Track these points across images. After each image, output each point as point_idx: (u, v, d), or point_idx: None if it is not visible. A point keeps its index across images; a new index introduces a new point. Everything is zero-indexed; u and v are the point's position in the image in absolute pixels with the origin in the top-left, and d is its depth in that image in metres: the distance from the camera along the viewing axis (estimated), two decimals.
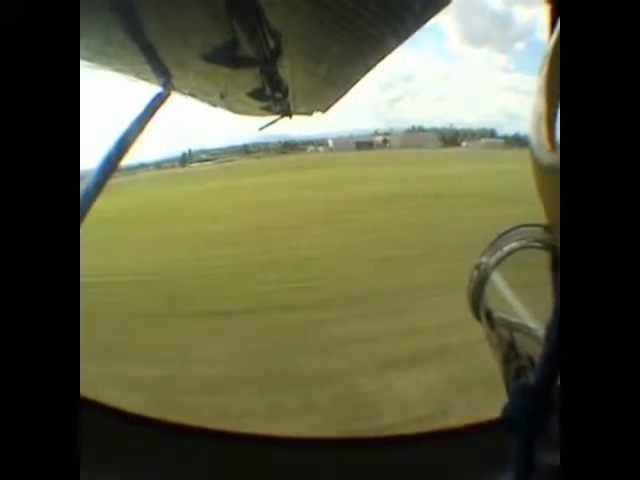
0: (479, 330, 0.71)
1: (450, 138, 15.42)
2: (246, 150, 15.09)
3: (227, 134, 13.81)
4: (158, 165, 13.94)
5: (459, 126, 15.78)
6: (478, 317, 0.72)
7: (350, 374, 3.80)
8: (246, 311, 5.04)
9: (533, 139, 0.43)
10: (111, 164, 1.65)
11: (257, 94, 2.59)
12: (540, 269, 0.62)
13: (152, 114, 1.85)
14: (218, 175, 13.36)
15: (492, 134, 15.12)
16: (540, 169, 0.42)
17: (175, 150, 14.25)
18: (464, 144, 15.40)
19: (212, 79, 2.41)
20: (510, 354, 0.59)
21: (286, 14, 1.83)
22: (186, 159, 14.44)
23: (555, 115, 0.39)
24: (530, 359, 0.54)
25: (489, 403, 0.61)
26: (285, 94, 2.69)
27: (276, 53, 2.03)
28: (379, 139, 15.48)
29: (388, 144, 15.35)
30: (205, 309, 5.19)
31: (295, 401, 3.45)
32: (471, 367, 3.20)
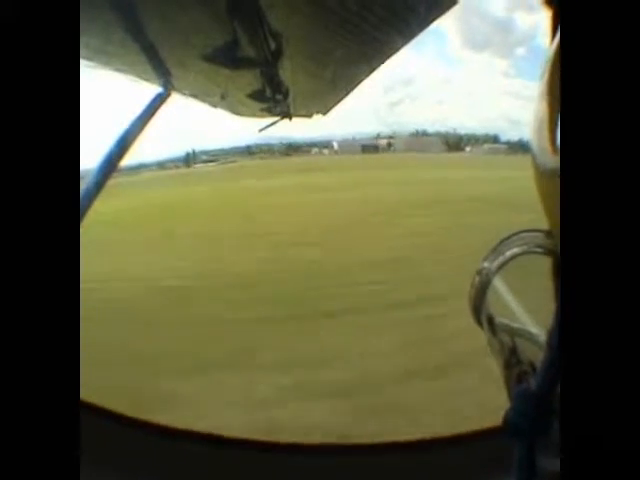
0: None
1: (454, 143, 15.52)
2: (249, 151, 15.11)
3: (227, 135, 13.85)
4: (161, 165, 13.96)
5: (459, 130, 15.88)
6: (480, 322, 0.72)
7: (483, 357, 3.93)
8: (365, 310, 5.17)
9: (535, 144, 0.43)
10: (111, 164, 1.65)
11: (257, 95, 2.58)
12: (541, 275, 0.61)
13: (152, 114, 1.85)
14: (233, 176, 13.42)
15: (495, 140, 15.22)
16: (542, 174, 0.42)
17: (175, 150, 14.26)
18: (468, 149, 15.50)
19: (213, 80, 2.41)
20: (512, 359, 0.60)
21: (287, 15, 1.83)
22: (190, 160, 14.44)
23: (557, 120, 0.39)
24: (532, 364, 0.55)
25: None
26: (285, 96, 2.69)
27: (277, 54, 2.03)
28: (384, 142, 15.55)
29: (392, 147, 15.43)
30: (327, 309, 5.26)
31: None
32: None
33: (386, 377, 3.91)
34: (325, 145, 15.47)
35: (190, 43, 1.91)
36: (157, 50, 1.86)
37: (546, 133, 0.40)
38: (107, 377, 3.34)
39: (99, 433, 0.89)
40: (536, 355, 0.52)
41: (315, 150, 15.45)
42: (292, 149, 15.25)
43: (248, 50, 1.91)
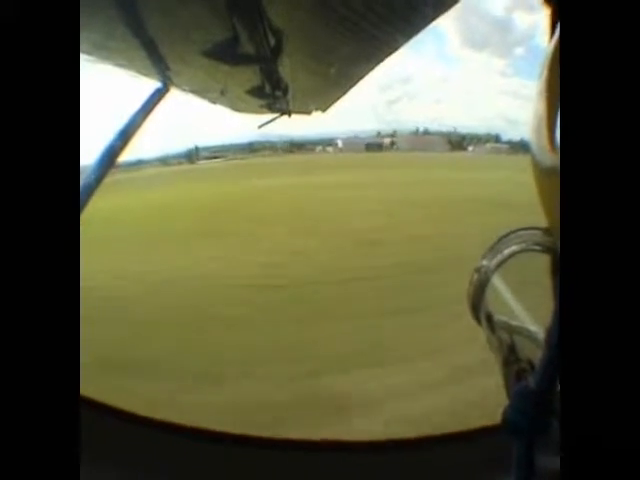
0: None
1: (457, 142, 15.51)
2: (251, 148, 14.96)
3: (229, 132, 13.72)
4: (164, 162, 13.80)
5: (455, 129, 15.86)
6: (478, 320, 0.72)
7: None
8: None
9: (534, 142, 0.43)
10: (110, 159, 1.65)
11: (256, 92, 2.58)
12: (540, 272, 0.61)
13: (151, 110, 1.85)
14: (242, 173, 13.09)
15: (497, 139, 15.24)
16: (541, 172, 0.42)
17: (176, 147, 14.12)
18: (470, 148, 15.48)
19: (212, 76, 2.40)
20: (510, 357, 0.60)
21: (287, 12, 1.83)
22: (192, 156, 14.29)
23: (555, 118, 0.39)
24: (530, 362, 0.55)
25: None
26: (285, 92, 2.68)
27: (277, 51, 2.03)
28: (387, 141, 15.50)
29: (395, 146, 15.38)
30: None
31: None
32: None
33: None
34: (329, 143, 15.36)
35: (190, 39, 1.90)
36: (157, 45, 1.85)
37: (545, 131, 0.40)
38: None
39: (99, 429, 0.89)
40: (535, 353, 0.52)
41: (319, 148, 15.33)
42: (295, 147, 15.11)
43: (248, 46, 1.90)
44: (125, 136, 1.72)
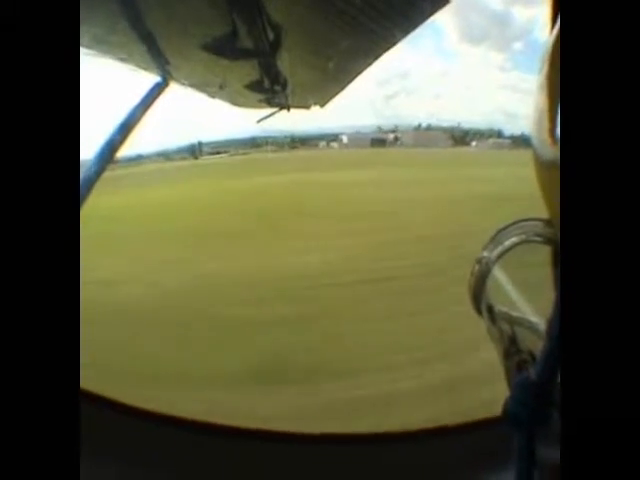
0: None
1: (460, 137, 15.44)
2: (253, 144, 14.76)
3: (226, 127, 13.57)
4: (167, 157, 13.62)
5: (459, 124, 15.80)
6: (479, 311, 0.72)
7: None
8: None
9: (534, 135, 0.43)
10: (109, 153, 1.65)
11: (255, 86, 2.58)
12: (541, 263, 0.62)
13: (151, 104, 1.85)
14: (254, 169, 12.81)
15: (499, 134, 15.20)
16: (541, 165, 0.42)
17: (177, 141, 13.95)
18: (473, 144, 15.42)
19: (211, 70, 2.40)
20: (511, 348, 0.59)
21: (286, 6, 1.83)
22: (196, 151, 14.10)
23: (556, 111, 0.39)
24: (531, 353, 0.54)
25: None
26: (284, 87, 2.68)
27: (275, 46, 2.03)
28: (391, 136, 15.39)
29: (399, 142, 15.29)
30: None
31: None
32: None
33: None
34: (333, 138, 15.19)
35: (189, 33, 1.90)
36: (156, 39, 1.85)
37: (546, 124, 0.40)
38: None
39: (99, 422, 0.88)
40: (536, 344, 0.52)
41: (322, 144, 15.16)
42: (298, 142, 14.91)
43: (247, 41, 1.91)
44: (125, 130, 1.73)
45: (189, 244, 7.26)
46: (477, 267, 0.73)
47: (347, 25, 1.95)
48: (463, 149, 15.24)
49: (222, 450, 1.01)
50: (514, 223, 0.71)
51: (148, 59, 2.00)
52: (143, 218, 8.77)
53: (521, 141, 13.13)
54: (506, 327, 0.64)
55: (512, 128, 14.89)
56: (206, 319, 4.74)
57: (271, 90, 2.67)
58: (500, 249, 0.71)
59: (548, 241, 0.64)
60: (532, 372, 0.49)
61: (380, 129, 15.60)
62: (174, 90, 2.06)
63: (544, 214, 0.46)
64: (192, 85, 2.79)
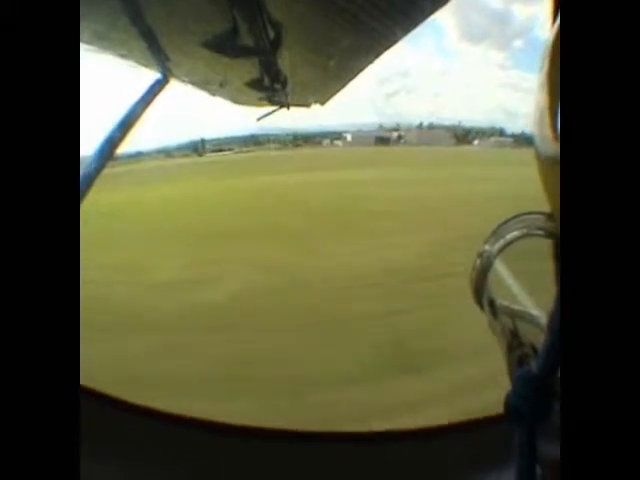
0: None
1: (462, 136, 15.45)
2: (254, 142, 14.67)
3: (226, 124, 13.52)
4: (168, 154, 13.55)
5: (460, 122, 15.80)
6: (481, 305, 0.72)
7: None
8: None
9: (536, 132, 0.43)
10: (109, 149, 1.65)
11: (256, 84, 2.58)
12: (543, 257, 0.61)
13: (151, 101, 1.85)
14: (261, 167, 12.61)
15: (501, 133, 15.21)
16: (544, 161, 0.42)
17: (178, 139, 13.89)
18: (476, 142, 15.43)
19: (212, 67, 2.40)
20: (513, 342, 0.59)
21: (287, 4, 1.83)
22: (199, 148, 14.02)
23: (557, 108, 0.39)
24: (533, 347, 0.54)
25: None
26: (284, 85, 2.68)
27: (276, 44, 2.03)
28: (395, 135, 15.37)
29: (403, 140, 15.29)
30: None
31: None
32: None
33: None
34: (337, 137, 15.12)
35: (190, 30, 1.90)
36: (156, 36, 1.85)
37: (547, 120, 0.40)
38: None
39: (100, 419, 0.88)
40: (537, 338, 0.51)
41: (326, 141, 15.09)
42: (301, 140, 14.84)
43: (247, 38, 1.90)
44: (125, 127, 1.73)
45: (285, 243, 7.24)
46: (478, 261, 0.73)
47: (348, 23, 1.96)
48: (466, 147, 15.22)
49: (223, 448, 1.01)
50: (515, 217, 0.71)
51: (148, 56, 2.00)
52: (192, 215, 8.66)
53: (522, 139, 13.15)
54: (508, 321, 0.63)
55: (513, 126, 14.95)
56: (327, 316, 4.78)
57: (271, 88, 2.68)
58: (502, 243, 0.71)
59: (550, 235, 0.64)
60: (534, 366, 0.48)
61: (382, 127, 15.59)
62: (174, 87, 2.05)
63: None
64: (193, 82, 2.79)
